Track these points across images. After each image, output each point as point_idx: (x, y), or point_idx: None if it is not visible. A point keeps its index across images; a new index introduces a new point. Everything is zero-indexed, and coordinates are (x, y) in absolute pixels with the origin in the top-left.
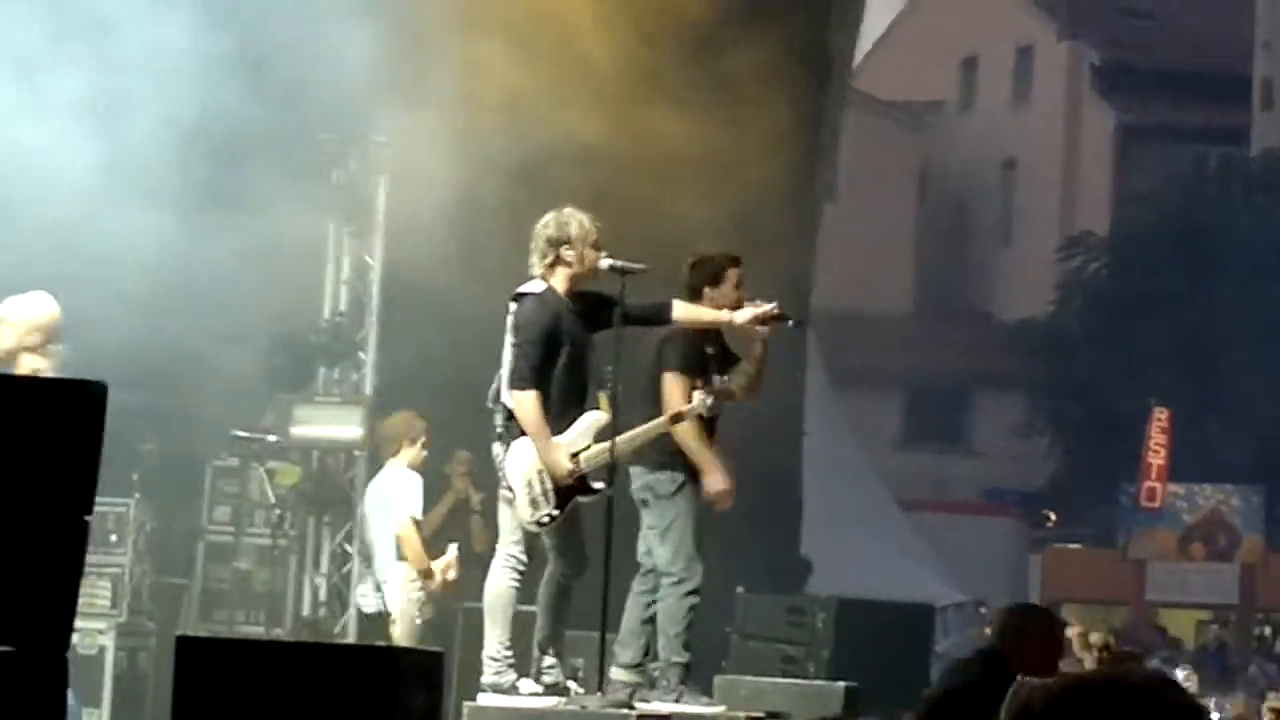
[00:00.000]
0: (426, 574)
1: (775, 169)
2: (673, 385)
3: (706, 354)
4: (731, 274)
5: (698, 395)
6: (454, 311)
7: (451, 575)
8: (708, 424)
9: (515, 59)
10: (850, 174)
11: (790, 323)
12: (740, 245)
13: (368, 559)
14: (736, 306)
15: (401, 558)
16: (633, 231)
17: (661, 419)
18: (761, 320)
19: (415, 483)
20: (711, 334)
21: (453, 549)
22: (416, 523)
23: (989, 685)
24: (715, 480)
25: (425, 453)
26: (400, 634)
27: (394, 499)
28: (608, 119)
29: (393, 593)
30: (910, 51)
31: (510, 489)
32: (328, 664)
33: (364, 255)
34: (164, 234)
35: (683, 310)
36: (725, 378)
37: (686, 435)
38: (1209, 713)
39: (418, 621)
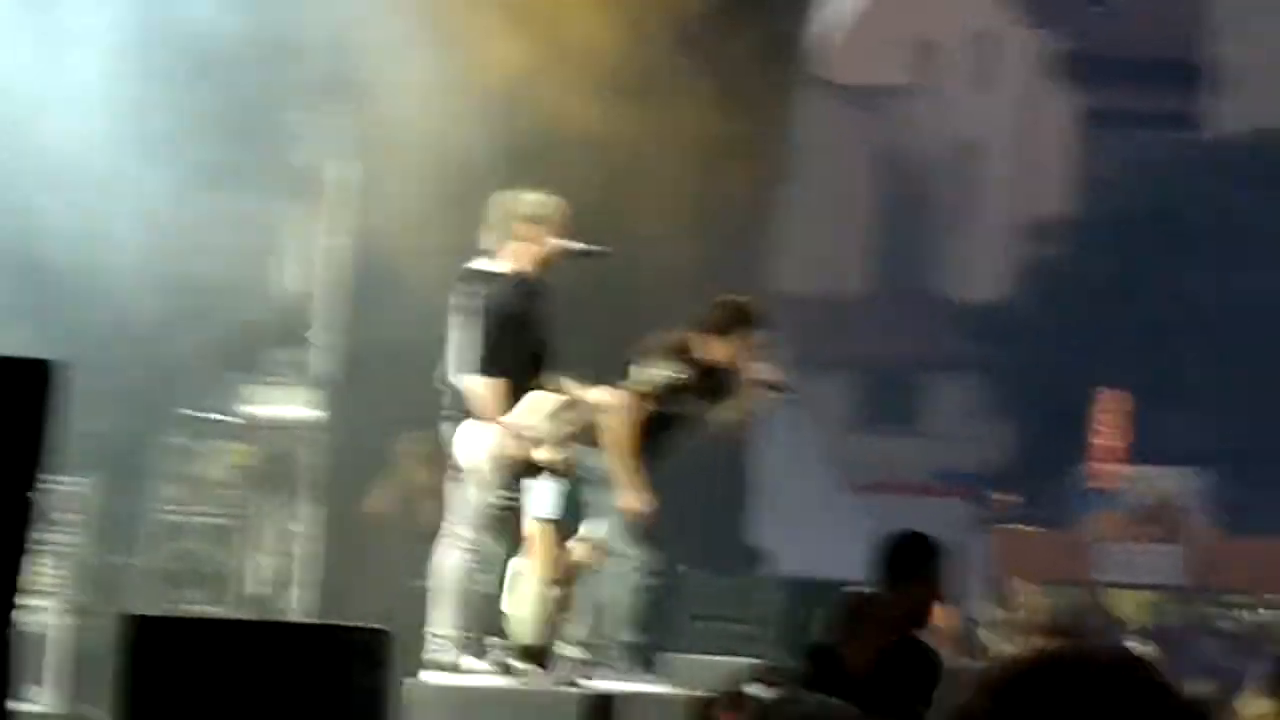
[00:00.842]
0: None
1: (734, 154)
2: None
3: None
4: (736, 334)
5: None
6: (405, 292)
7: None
8: (664, 426)
9: (482, 42)
10: (807, 158)
11: (785, 393)
12: (701, 232)
13: None
14: (731, 363)
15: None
16: (591, 218)
17: (606, 395)
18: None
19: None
20: (705, 370)
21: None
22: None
23: (818, 687)
24: (630, 499)
25: None
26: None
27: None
28: (577, 104)
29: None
30: (869, 35)
31: (461, 469)
32: (275, 641)
33: (317, 236)
34: (118, 213)
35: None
36: (677, 376)
37: (619, 448)
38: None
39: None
